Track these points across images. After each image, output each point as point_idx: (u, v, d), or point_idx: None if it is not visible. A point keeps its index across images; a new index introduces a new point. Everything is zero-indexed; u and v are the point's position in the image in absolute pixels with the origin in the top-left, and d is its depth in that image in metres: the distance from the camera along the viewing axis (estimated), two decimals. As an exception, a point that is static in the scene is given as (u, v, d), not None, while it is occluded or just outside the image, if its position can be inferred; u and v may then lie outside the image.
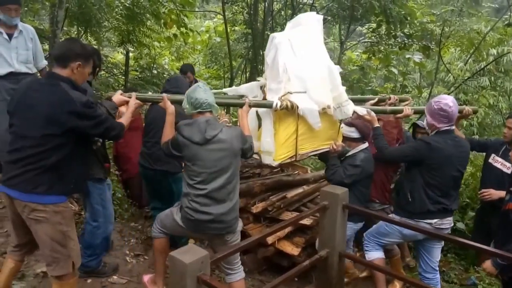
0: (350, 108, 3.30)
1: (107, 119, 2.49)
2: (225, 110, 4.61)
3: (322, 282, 3.37)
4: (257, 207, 3.83)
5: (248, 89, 3.54)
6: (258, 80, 3.62)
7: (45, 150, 2.27)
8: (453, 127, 3.08)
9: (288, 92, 3.14)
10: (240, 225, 2.94)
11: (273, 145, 3.15)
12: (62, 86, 2.30)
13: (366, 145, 3.41)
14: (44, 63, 4.22)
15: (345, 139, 3.43)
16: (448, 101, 3.00)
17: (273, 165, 3.24)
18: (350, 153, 3.41)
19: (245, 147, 2.82)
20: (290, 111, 3.13)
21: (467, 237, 4.20)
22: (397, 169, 3.74)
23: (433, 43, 8.46)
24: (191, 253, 2.21)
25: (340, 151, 3.45)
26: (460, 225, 4.52)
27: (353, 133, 3.37)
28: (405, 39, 8.30)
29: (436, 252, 3.18)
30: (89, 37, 8.05)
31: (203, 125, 2.68)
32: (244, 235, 3.84)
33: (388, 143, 3.36)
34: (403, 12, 7.77)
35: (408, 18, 7.99)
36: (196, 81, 5.32)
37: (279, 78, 3.20)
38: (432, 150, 2.95)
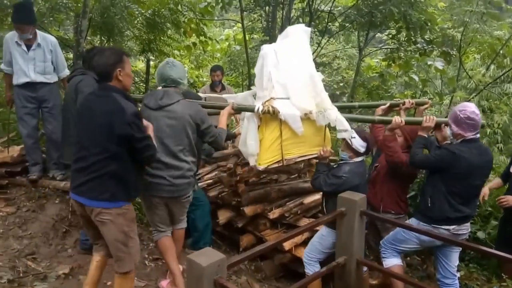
0: (333, 114, 3.35)
1: (149, 136, 2.60)
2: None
3: (339, 289, 3.35)
4: (274, 213, 3.84)
5: (243, 98, 3.76)
6: (251, 89, 3.75)
7: (105, 158, 2.45)
8: (478, 135, 3.04)
9: (271, 98, 3.29)
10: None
11: (257, 148, 3.29)
12: (114, 96, 2.48)
13: (359, 159, 3.36)
14: (65, 72, 4.29)
15: (350, 149, 3.34)
16: (473, 108, 2.97)
17: (259, 169, 3.37)
18: (340, 162, 3.35)
19: (204, 127, 3.02)
20: (273, 116, 3.25)
21: (489, 246, 4.10)
22: (413, 179, 3.66)
23: (454, 49, 8.33)
24: (208, 256, 2.24)
25: (328, 157, 3.45)
26: (481, 234, 4.42)
27: (363, 148, 3.30)
28: (425, 45, 8.19)
29: (454, 257, 3.14)
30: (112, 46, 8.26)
31: (160, 94, 2.97)
32: (261, 240, 3.86)
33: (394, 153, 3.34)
34: (423, 18, 7.69)
35: (429, 24, 7.90)
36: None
37: (264, 86, 3.37)
38: (457, 160, 2.92)
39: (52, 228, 3.79)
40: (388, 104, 3.80)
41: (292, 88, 3.35)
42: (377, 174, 3.65)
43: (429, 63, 8.28)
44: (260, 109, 3.23)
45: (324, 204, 3.50)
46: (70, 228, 3.86)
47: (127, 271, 2.65)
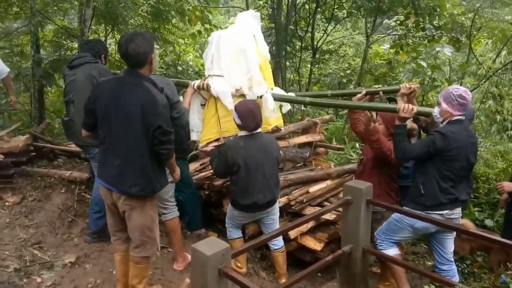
0: (260, 90, 3.47)
1: (172, 134, 2.58)
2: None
3: (345, 278, 3.34)
4: (279, 202, 3.81)
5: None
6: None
7: (137, 150, 2.46)
8: (464, 118, 2.97)
9: (209, 75, 3.47)
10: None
11: (199, 124, 3.52)
12: (146, 86, 2.47)
13: (243, 133, 3.20)
14: None
15: (234, 121, 3.26)
16: (466, 89, 2.94)
17: (199, 146, 3.54)
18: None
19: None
20: (208, 92, 3.42)
21: (497, 233, 4.06)
22: (400, 166, 3.45)
23: (464, 35, 8.16)
24: (212, 245, 2.23)
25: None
26: (489, 222, 4.37)
27: (237, 119, 3.15)
28: (434, 31, 8.03)
29: (449, 243, 3.13)
30: (116, 35, 8.21)
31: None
32: (267, 229, 3.84)
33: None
34: (432, 4, 7.53)
35: (438, 10, 7.73)
36: None
37: (207, 67, 3.61)
38: (448, 142, 2.87)
39: (58, 218, 3.82)
40: (364, 92, 3.60)
41: (225, 65, 3.47)
42: (363, 168, 3.51)
43: (437, 49, 8.12)
44: (195, 84, 3.45)
45: None
46: (76, 217, 3.88)
47: (146, 257, 2.71)
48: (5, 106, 6.81)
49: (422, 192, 2.99)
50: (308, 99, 3.71)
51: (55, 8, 7.07)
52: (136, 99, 2.42)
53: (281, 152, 3.53)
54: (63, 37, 7.40)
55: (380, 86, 3.95)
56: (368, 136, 3.31)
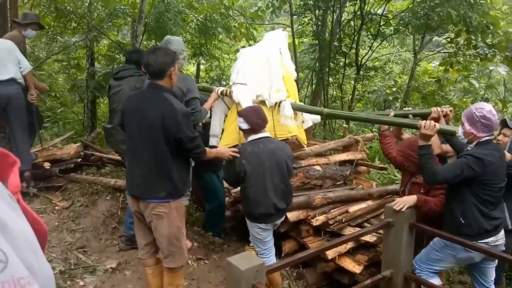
0: (278, 97, 3.57)
1: (198, 136, 2.66)
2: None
3: (384, 304, 3.20)
4: (317, 220, 3.75)
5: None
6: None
7: (159, 158, 2.54)
8: (493, 137, 2.84)
9: (234, 83, 3.66)
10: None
11: (219, 129, 3.67)
12: (166, 97, 2.56)
13: (256, 136, 3.06)
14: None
15: (241, 130, 3.18)
16: (491, 108, 2.77)
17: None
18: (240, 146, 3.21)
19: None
20: (229, 98, 3.58)
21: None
22: None
23: (520, 53, 7.75)
24: (247, 260, 2.22)
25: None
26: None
27: (242, 123, 3.06)
28: (487, 49, 7.69)
29: (491, 272, 2.94)
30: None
31: None
32: (304, 247, 3.78)
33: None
34: (484, 21, 7.25)
35: (491, 27, 7.42)
36: None
37: (233, 78, 3.77)
38: (484, 166, 2.70)
39: (102, 223, 3.97)
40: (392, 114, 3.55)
41: (249, 72, 3.64)
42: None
43: (491, 68, 7.76)
44: (220, 90, 3.60)
45: None
46: (119, 224, 4.01)
47: (178, 266, 2.72)
48: (60, 115, 7.25)
49: (462, 222, 2.79)
50: (326, 110, 3.79)
51: (110, 24, 7.50)
52: (157, 111, 2.49)
53: (293, 158, 3.45)
54: (116, 52, 7.82)
55: (410, 108, 3.91)
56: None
